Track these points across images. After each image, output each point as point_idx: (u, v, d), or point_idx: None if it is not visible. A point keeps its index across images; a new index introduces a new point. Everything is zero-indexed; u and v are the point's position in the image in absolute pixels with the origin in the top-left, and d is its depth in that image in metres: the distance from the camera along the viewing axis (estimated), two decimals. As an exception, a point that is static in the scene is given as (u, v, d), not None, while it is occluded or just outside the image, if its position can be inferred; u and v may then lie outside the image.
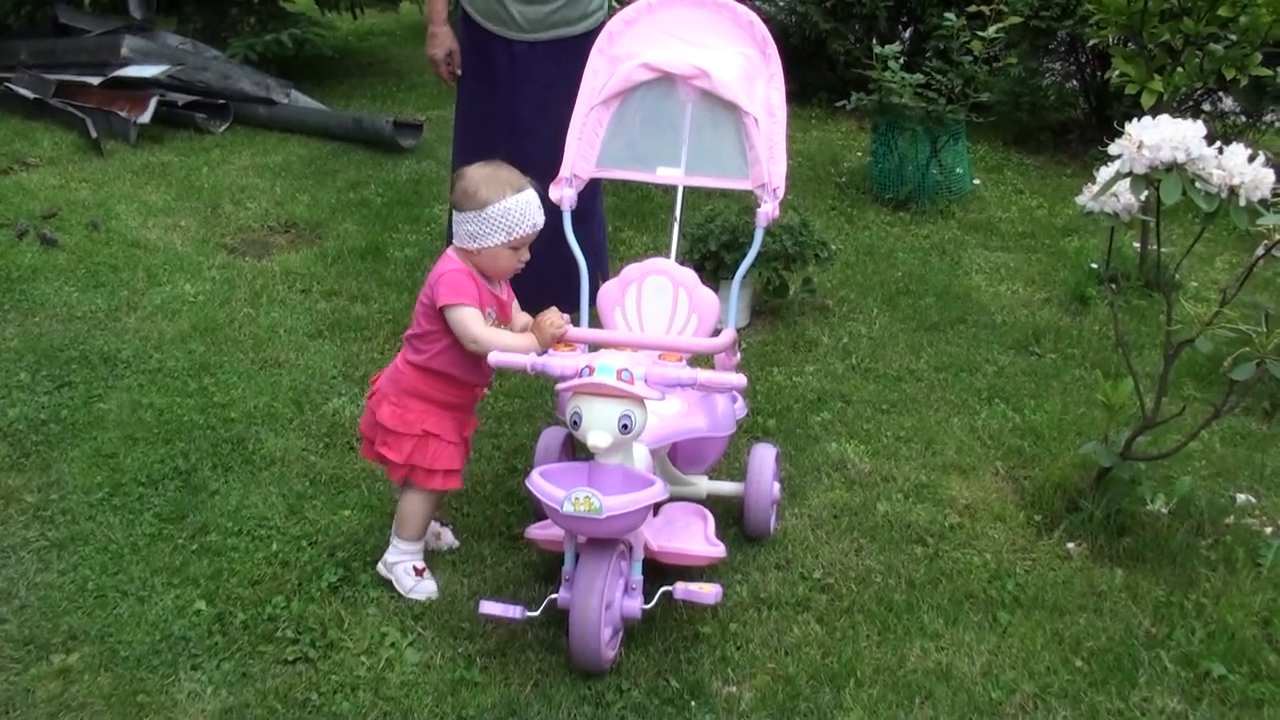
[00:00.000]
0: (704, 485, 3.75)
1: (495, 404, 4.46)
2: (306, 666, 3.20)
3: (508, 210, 3.22)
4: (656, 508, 3.54)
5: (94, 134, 7.20)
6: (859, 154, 7.37)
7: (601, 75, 3.68)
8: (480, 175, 3.27)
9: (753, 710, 3.08)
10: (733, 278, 4.94)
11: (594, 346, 3.40)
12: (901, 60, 6.47)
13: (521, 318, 3.44)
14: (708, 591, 3.17)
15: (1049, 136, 7.74)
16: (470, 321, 3.24)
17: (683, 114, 3.59)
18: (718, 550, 3.38)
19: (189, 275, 5.52)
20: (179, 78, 7.79)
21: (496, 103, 4.60)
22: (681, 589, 3.18)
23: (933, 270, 5.76)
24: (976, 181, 6.90)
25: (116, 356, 4.75)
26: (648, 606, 3.19)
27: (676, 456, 3.70)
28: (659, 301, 3.56)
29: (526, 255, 3.32)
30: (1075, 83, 8.01)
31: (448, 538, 3.68)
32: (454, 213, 3.30)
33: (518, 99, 4.51)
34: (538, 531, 3.39)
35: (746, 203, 5.35)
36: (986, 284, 5.63)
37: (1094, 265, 5.59)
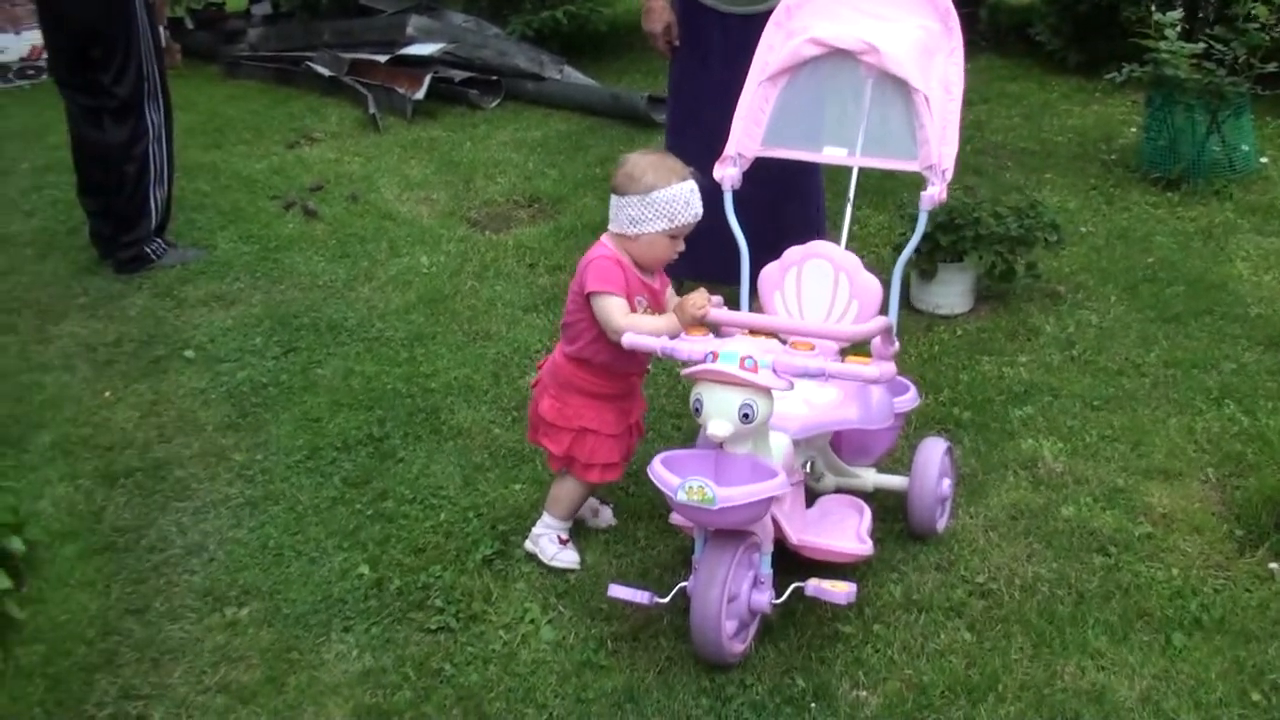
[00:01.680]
0: (870, 478, 3.60)
1: (688, 384, 4.40)
2: (447, 636, 3.27)
3: (673, 198, 3.17)
4: (810, 498, 3.43)
5: (373, 109, 7.56)
6: (1133, 130, 6.88)
7: (776, 50, 3.57)
8: (646, 161, 3.23)
9: (876, 717, 2.94)
10: (953, 263, 4.78)
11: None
12: (1179, 29, 5.99)
13: (673, 302, 3.39)
14: (839, 590, 3.04)
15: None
16: (613, 310, 3.19)
17: (862, 90, 3.43)
18: (864, 548, 3.24)
19: (428, 247, 5.72)
20: (457, 54, 8.09)
21: (709, 76, 4.54)
22: (813, 586, 3.06)
23: (1191, 256, 5.32)
24: (1264, 159, 6.32)
25: (342, 324, 4.97)
26: (778, 601, 3.09)
27: (841, 447, 3.56)
28: (819, 286, 3.43)
29: (682, 245, 3.26)
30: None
31: (606, 515, 3.68)
32: (614, 197, 3.26)
33: (730, 73, 4.41)
34: (679, 517, 3.33)
35: (963, 181, 5.09)
36: (1249, 272, 5.15)
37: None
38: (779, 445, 3.14)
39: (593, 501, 3.66)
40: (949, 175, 3.33)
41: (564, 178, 6.54)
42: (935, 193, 3.30)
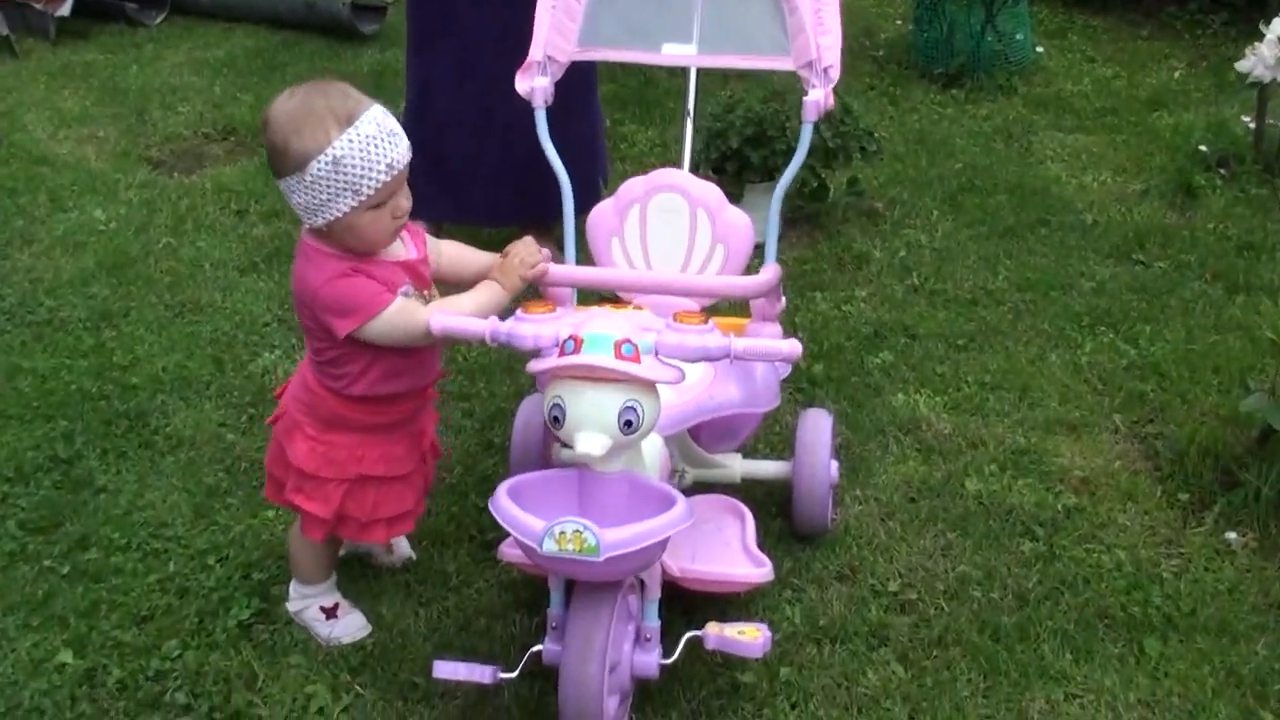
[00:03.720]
0: (737, 466, 2.82)
1: (469, 354, 3.52)
2: (202, 750, 2.33)
3: (339, 162, 2.14)
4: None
5: (3, 30, 6.18)
6: (898, 22, 6.32)
7: (583, -79, 2.68)
8: (285, 116, 2.18)
9: (819, 807, 2.19)
10: (763, 183, 4.04)
11: (584, 296, 2.46)
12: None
13: (477, 259, 2.50)
14: (752, 640, 2.26)
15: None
16: (397, 322, 2.24)
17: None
18: (763, 571, 2.47)
19: (102, 197, 4.56)
20: (107, -38, 6.74)
21: None
22: (716, 637, 2.27)
23: (999, 160, 4.76)
24: (1040, 49, 5.85)
25: (-2, 305, 3.82)
26: (668, 661, 2.28)
27: (700, 431, 2.76)
28: (671, 228, 2.61)
29: (406, 204, 2.26)
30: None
31: (401, 549, 2.77)
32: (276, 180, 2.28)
33: None
34: (512, 551, 2.47)
35: (773, 84, 4.35)
36: (1067, 174, 4.64)
37: (1203, 148, 4.57)
38: (652, 451, 2.33)
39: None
40: (835, 75, 2.55)
41: (261, 102, 5.39)
42: (819, 98, 2.52)
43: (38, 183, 4.68)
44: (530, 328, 2.14)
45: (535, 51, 2.64)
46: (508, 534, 2.45)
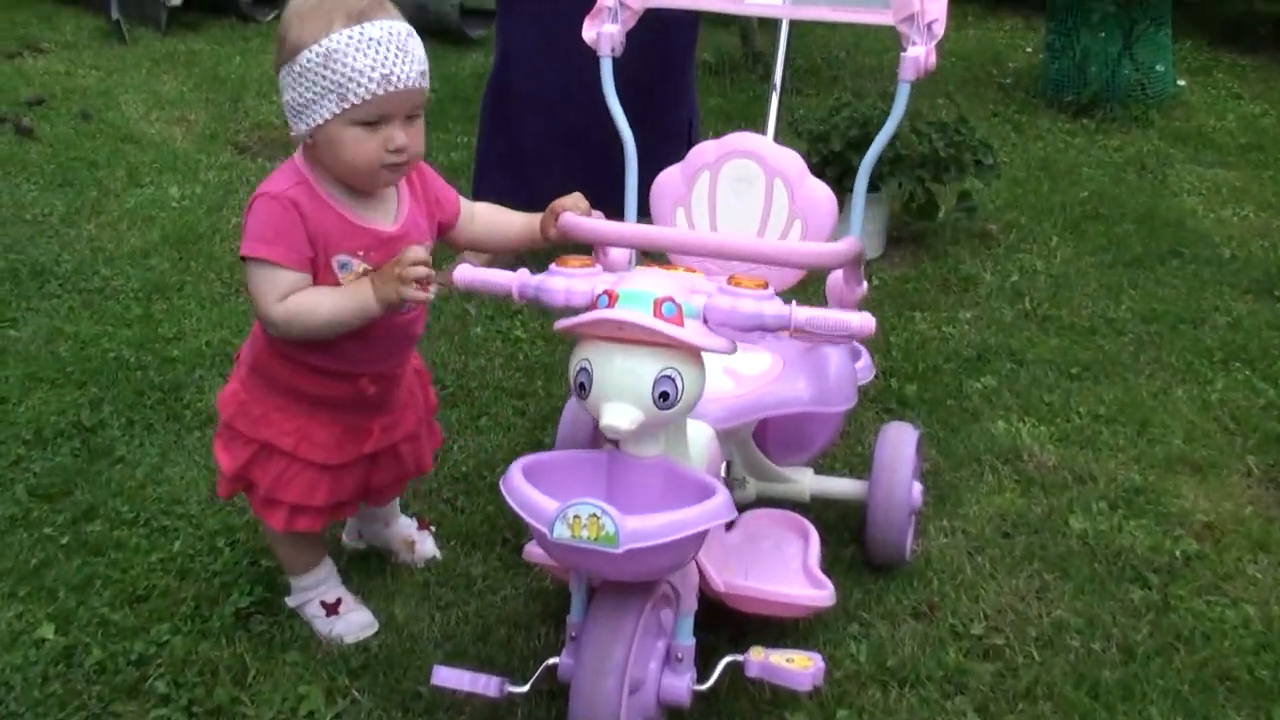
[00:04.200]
0: (807, 482, 2.50)
1: (531, 350, 3.25)
2: (169, 744, 2.06)
3: (330, 55, 1.87)
4: (729, 523, 2.30)
5: (116, 15, 6.13)
6: (1028, 51, 5.97)
7: None
8: (301, 4, 1.93)
9: None
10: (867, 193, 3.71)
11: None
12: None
13: (514, 221, 2.22)
14: (801, 670, 1.93)
15: (1269, 30, 6.17)
16: (266, 287, 1.93)
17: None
18: (823, 594, 2.14)
19: (180, 176, 4.41)
20: (226, -43, 6.69)
21: None
22: (759, 664, 1.95)
23: (1130, 190, 4.38)
24: (1181, 83, 5.45)
25: (52, 270, 3.66)
26: (703, 686, 1.96)
27: (767, 438, 2.44)
28: (744, 198, 2.31)
29: (400, 139, 1.93)
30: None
31: (426, 547, 2.49)
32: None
33: None
34: (539, 551, 2.17)
35: (886, 86, 4.03)
36: (1204, 208, 4.24)
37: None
38: (699, 441, 2.02)
39: (404, 528, 2.48)
40: (939, 30, 2.23)
41: (357, 96, 5.26)
42: (919, 54, 2.20)
43: (119, 158, 4.55)
44: (562, 281, 1.84)
45: (607, -6, 2.37)
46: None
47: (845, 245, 2.05)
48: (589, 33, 2.36)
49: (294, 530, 2.16)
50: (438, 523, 2.57)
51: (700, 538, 1.79)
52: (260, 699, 2.15)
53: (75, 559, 2.48)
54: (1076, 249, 3.89)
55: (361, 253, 1.99)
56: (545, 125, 3.44)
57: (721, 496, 1.80)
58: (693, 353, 1.79)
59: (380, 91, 1.88)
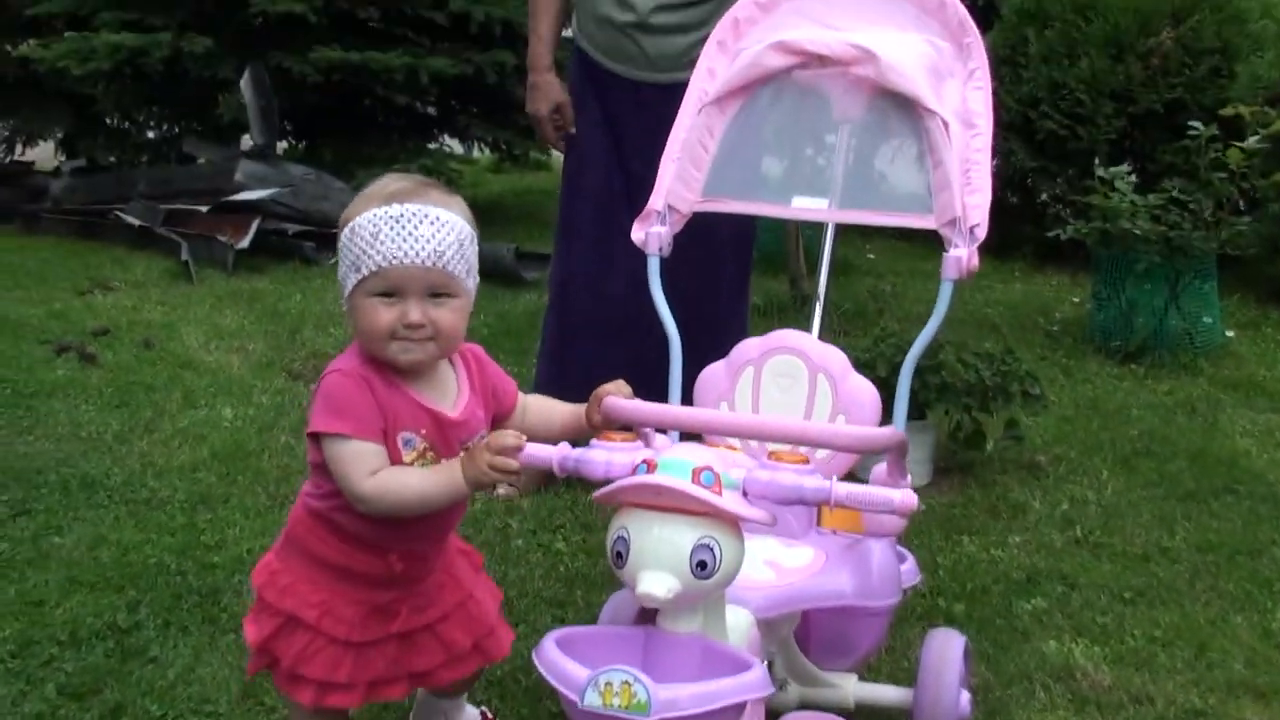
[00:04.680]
0: (851, 689, 2.42)
1: (572, 562, 3.23)
2: None
3: (354, 230, 1.97)
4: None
5: (185, 256, 6.38)
6: (1075, 301, 6.05)
7: (719, 76, 2.53)
8: (365, 189, 2.06)
9: None
10: (913, 420, 3.72)
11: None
12: (1132, 182, 5.20)
13: (563, 410, 2.23)
14: None
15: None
16: (348, 463, 1.96)
17: (849, 117, 2.41)
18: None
19: (234, 399, 4.49)
20: (294, 205, 7.00)
21: (619, 161, 3.52)
22: None
23: (1180, 430, 4.35)
24: (1230, 334, 5.48)
25: (102, 482, 3.69)
26: None
27: (810, 641, 2.39)
28: (788, 394, 2.33)
29: (414, 315, 1.96)
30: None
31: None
32: None
33: (647, 155, 3.35)
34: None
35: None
36: (1257, 449, 4.19)
37: None
38: (739, 626, 1.97)
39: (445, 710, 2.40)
40: (980, 234, 2.27)
41: (413, 332, 5.38)
42: (963, 256, 2.24)
43: (176, 383, 4.64)
44: (603, 454, 1.85)
45: (656, 200, 2.45)
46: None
47: (888, 430, 2.04)
48: (638, 233, 2.43)
49: (323, 706, 2.10)
50: (486, 708, 2.51)
51: (736, 711, 1.73)
52: None
53: (99, 757, 2.42)
54: (1128, 482, 3.85)
55: (424, 431, 2.01)
56: (597, 349, 3.50)
57: (758, 671, 1.75)
58: (731, 523, 1.77)
59: (385, 264, 1.93)
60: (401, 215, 1.94)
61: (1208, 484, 3.84)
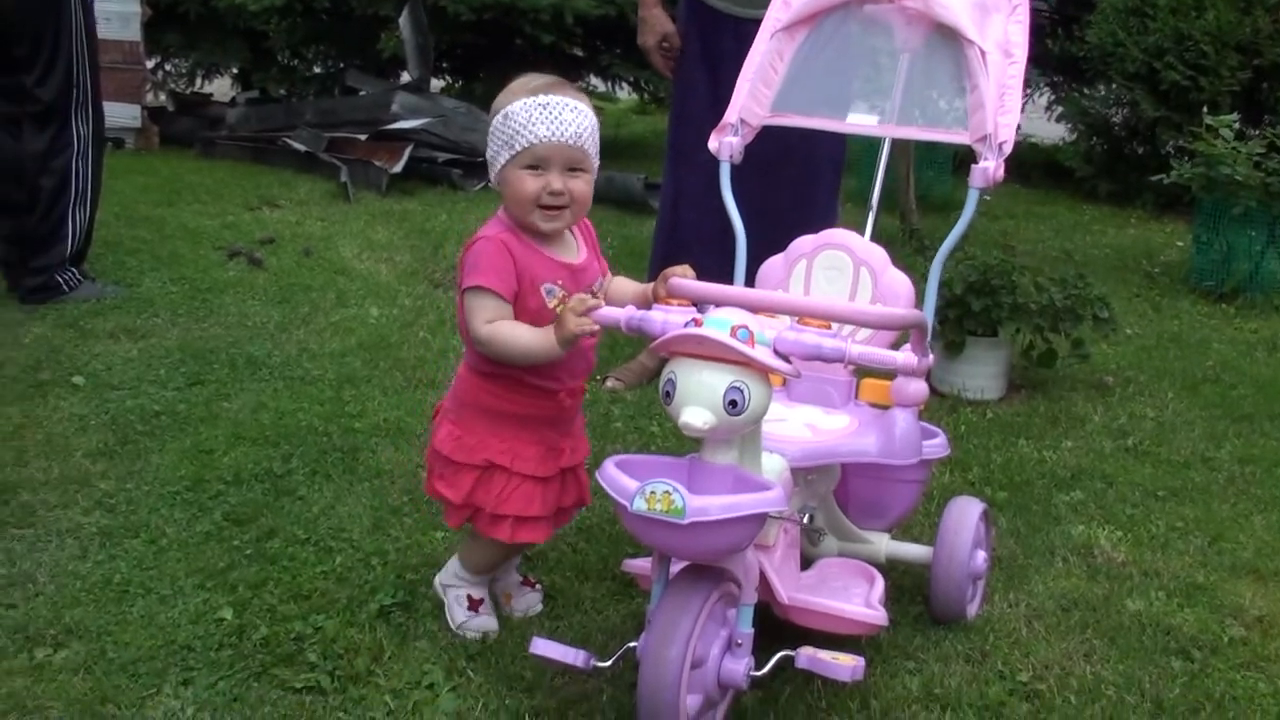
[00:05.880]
0: (883, 545, 2.81)
1: (663, 443, 3.65)
2: (315, 699, 2.45)
3: (507, 115, 2.41)
4: (805, 564, 2.64)
5: (344, 179, 6.94)
6: (1180, 245, 6.25)
7: (793, 6, 2.90)
8: (511, 83, 2.49)
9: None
10: (985, 337, 4.05)
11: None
12: (1235, 129, 5.40)
13: (631, 286, 2.65)
14: (843, 664, 2.24)
15: None
16: (475, 310, 2.42)
17: (900, 44, 2.78)
18: (875, 615, 2.45)
19: (381, 300, 5.01)
20: (445, 136, 7.51)
21: (720, 90, 3.89)
22: (808, 656, 2.26)
23: (1255, 364, 4.60)
24: (1327, 279, 5.65)
25: (264, 361, 4.23)
26: (759, 673, 2.28)
27: (849, 503, 2.79)
28: (834, 284, 2.71)
29: (556, 184, 2.41)
30: None
31: (526, 601, 2.80)
32: None
33: None
34: (636, 564, 2.55)
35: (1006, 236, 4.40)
36: (1327, 384, 4.43)
37: None
38: (774, 468, 2.37)
39: (509, 581, 2.82)
40: (1007, 149, 2.62)
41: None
42: (989, 168, 2.60)
43: (331, 285, 5.18)
44: (660, 314, 2.27)
45: (730, 114, 2.85)
46: (639, 551, 2.58)
47: (907, 311, 2.42)
48: (713, 142, 2.83)
49: (516, 540, 2.56)
50: (558, 561, 2.96)
51: (755, 523, 2.14)
52: (391, 672, 2.53)
53: (255, 565, 2.93)
54: (1189, 403, 4.14)
55: (561, 281, 2.48)
56: (708, 264, 3.88)
57: (777, 491, 2.15)
58: (760, 372, 2.17)
59: (536, 141, 2.39)
60: (548, 103, 2.40)
61: (1266, 409, 4.10)
